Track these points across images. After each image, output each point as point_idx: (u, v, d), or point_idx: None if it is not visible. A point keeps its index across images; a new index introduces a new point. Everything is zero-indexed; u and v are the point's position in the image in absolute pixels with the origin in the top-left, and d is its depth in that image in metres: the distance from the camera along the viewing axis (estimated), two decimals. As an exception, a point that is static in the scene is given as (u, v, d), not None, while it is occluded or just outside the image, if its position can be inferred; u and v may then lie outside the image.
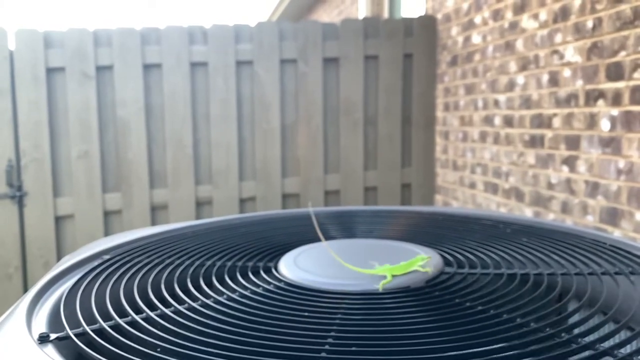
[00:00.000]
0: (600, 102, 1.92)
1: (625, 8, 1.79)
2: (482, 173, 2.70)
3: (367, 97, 3.01)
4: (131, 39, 2.71)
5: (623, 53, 1.80)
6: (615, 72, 1.84)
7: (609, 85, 1.88)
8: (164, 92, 2.79)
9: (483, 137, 2.67)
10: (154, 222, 2.86)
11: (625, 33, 1.79)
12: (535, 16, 2.24)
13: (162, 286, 0.63)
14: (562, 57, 2.11)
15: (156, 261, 0.75)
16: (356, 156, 3.02)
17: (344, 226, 0.90)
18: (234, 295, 0.61)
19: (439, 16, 3.00)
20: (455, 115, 2.92)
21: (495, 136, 2.57)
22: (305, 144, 2.96)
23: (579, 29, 2.01)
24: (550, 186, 2.22)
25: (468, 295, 0.61)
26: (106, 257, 0.77)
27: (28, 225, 2.69)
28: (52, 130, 2.69)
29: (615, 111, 1.85)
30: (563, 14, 2.09)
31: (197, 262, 0.74)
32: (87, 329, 0.51)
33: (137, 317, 0.54)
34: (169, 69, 2.77)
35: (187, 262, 0.74)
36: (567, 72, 2.08)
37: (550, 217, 2.23)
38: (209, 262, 0.74)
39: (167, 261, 0.74)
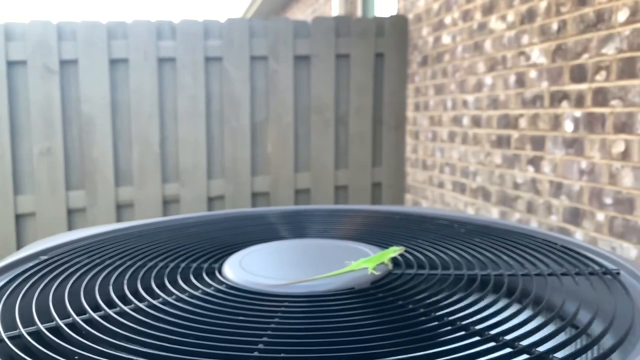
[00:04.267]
0: (564, 103, 1.95)
1: (588, 11, 1.81)
2: (451, 172, 2.72)
3: (338, 96, 3.00)
4: (97, 33, 2.64)
5: (586, 55, 1.82)
6: (579, 74, 1.86)
7: (573, 87, 1.90)
8: (130, 88, 2.73)
9: (452, 137, 2.68)
10: (119, 221, 2.80)
11: (588, 35, 1.81)
12: (503, 17, 2.26)
13: (97, 290, 0.61)
14: (528, 58, 2.12)
15: (96, 262, 0.71)
16: (327, 155, 3.00)
17: (297, 226, 0.89)
18: (169, 299, 0.59)
19: (410, 16, 3.01)
20: (425, 115, 2.93)
21: (463, 136, 2.58)
22: (275, 142, 2.93)
23: (545, 31, 2.03)
24: (516, 186, 2.24)
25: (412, 297, 0.60)
26: (43, 257, 0.73)
27: (-13, 224, 2.61)
28: (13, 126, 2.61)
29: (578, 112, 1.88)
30: (529, 15, 2.10)
31: (139, 264, 0.71)
32: (4, 336, 0.48)
33: (61, 323, 0.51)
34: (135, 65, 2.71)
35: (127, 264, 0.71)
36: (533, 74, 2.10)
37: (516, 217, 2.25)
38: (150, 264, 0.71)
39: (107, 262, 0.71)
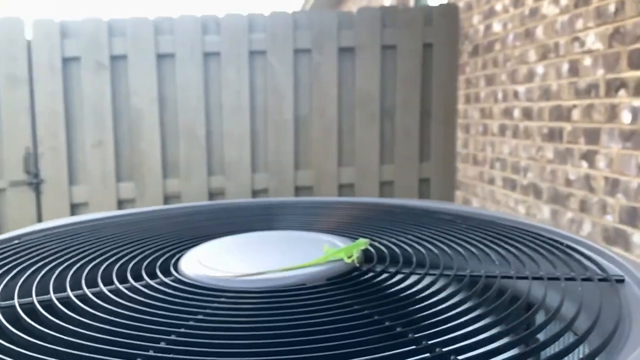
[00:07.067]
0: (622, 92, 1.77)
1: (648, -11, 1.63)
2: (501, 168, 2.57)
3: (384, 88, 2.91)
4: (145, 28, 2.71)
5: (645, 38, 1.64)
6: (638, 60, 1.68)
7: (631, 74, 1.72)
8: (176, 83, 2.78)
9: (502, 130, 2.53)
10: (165, 212, 2.86)
11: (647, 16, 1.63)
12: (556, 1, 2.09)
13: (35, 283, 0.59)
14: (582, 44, 1.96)
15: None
16: (372, 149, 2.93)
17: (292, 218, 0.84)
18: (105, 289, 0.56)
19: (461, 4, 2.87)
20: (476, 107, 2.79)
21: (514, 129, 2.43)
22: (319, 136, 2.89)
23: (601, 14, 1.85)
24: (568, 183, 2.07)
25: (362, 297, 0.54)
26: None
27: (45, 212, 2.75)
28: (68, 119, 2.74)
29: (637, 102, 1.70)
30: (584, -3, 1.93)
31: (104, 256, 0.69)
32: None
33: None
34: (182, 59, 2.76)
35: (93, 255, 0.69)
36: (587, 61, 1.93)
37: (568, 216, 2.08)
38: (114, 252, 0.69)
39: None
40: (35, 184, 2.73)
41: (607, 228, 1.89)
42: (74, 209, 2.80)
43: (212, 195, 2.91)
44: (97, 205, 2.78)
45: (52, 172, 2.74)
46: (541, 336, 0.50)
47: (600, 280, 0.58)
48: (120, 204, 2.84)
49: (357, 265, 0.64)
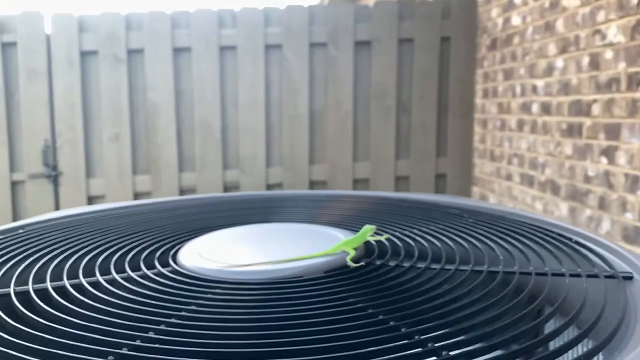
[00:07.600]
0: (643, 86, 1.72)
1: (672, -21, 1.58)
2: (519, 164, 2.52)
3: (400, 82, 2.89)
4: (161, 22, 2.72)
5: (668, 30, 1.59)
6: (660, 53, 1.63)
7: (653, 68, 1.67)
8: (193, 76, 2.79)
9: (520, 125, 2.48)
10: (181, 206, 2.88)
11: (671, 7, 1.58)
12: (577, -8, 2.04)
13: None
14: (604, 37, 1.90)
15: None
16: (387, 144, 2.90)
17: (292, 210, 0.83)
18: (101, 279, 0.56)
19: (480, -4, 2.82)
20: (494, 102, 2.74)
21: (532, 124, 2.38)
22: (334, 130, 2.88)
23: (623, 6, 1.80)
24: (587, 179, 2.03)
25: (359, 290, 0.53)
26: None
27: (63, 204, 2.79)
28: (86, 112, 2.77)
29: (658, 96, 1.65)
30: (605, -12, 1.88)
31: (104, 245, 0.69)
32: None
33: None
34: (198, 53, 2.77)
35: (96, 244, 0.69)
36: (608, 54, 1.88)
37: (587, 214, 2.04)
38: (117, 243, 0.69)
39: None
40: (53, 176, 2.77)
41: (627, 226, 1.84)
42: (91, 201, 2.83)
43: (227, 189, 2.92)
44: (113, 198, 2.81)
45: (70, 164, 2.77)
46: (542, 332, 0.48)
47: (607, 277, 0.56)
48: (137, 196, 2.87)
49: (384, 240, 0.62)
